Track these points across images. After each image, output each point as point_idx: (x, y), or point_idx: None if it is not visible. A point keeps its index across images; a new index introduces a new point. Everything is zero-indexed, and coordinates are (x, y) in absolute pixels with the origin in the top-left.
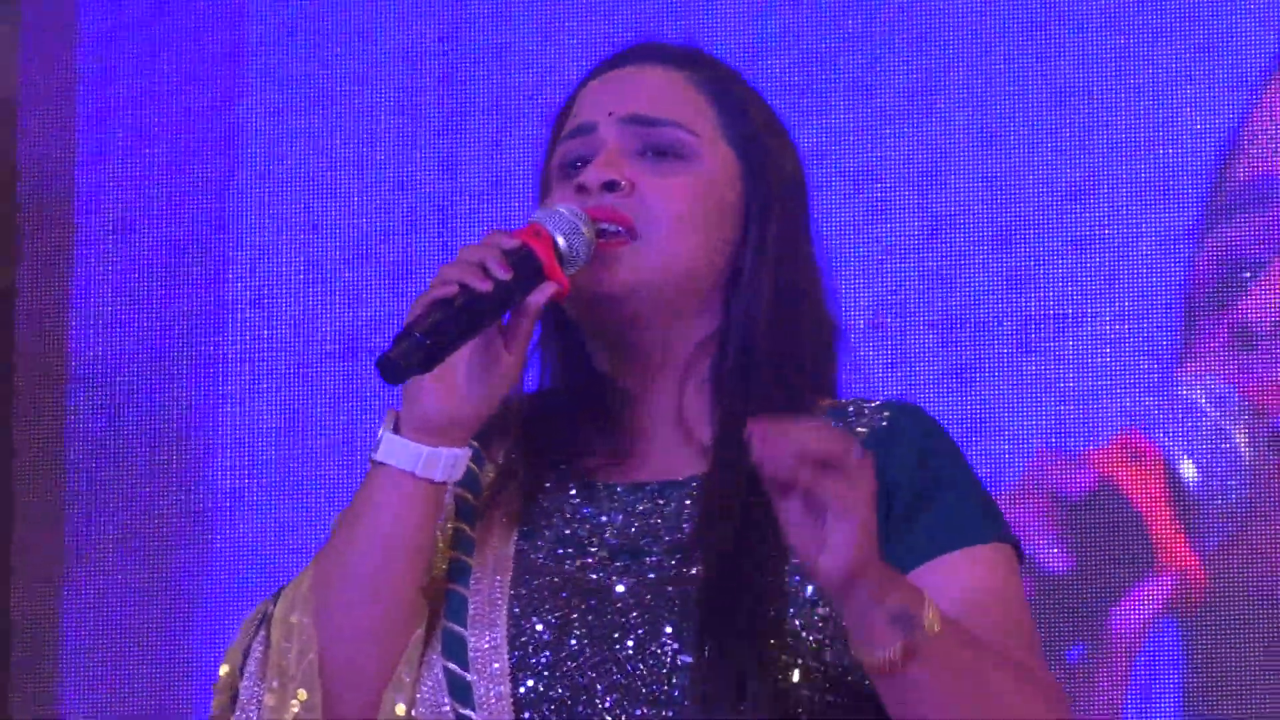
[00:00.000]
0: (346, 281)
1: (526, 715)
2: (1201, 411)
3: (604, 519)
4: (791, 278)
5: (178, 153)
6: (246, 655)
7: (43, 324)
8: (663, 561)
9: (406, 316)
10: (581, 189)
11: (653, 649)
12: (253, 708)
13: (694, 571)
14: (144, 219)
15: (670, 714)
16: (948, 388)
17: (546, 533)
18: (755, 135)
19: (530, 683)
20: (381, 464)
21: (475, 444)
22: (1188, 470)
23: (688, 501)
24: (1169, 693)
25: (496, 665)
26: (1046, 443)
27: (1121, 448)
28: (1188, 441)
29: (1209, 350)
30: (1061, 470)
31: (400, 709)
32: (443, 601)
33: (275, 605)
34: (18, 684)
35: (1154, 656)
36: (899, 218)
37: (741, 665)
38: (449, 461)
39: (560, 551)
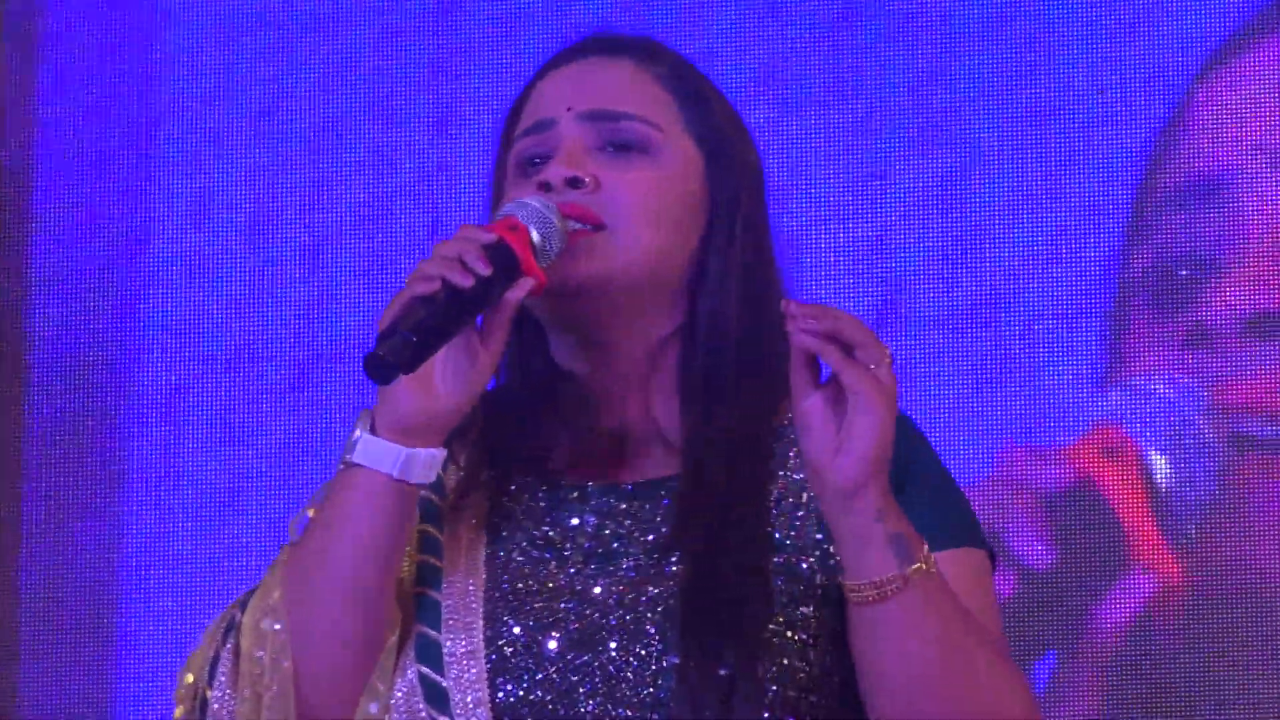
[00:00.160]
0: (304, 272)
1: None
2: (1168, 406)
3: (575, 521)
4: (755, 271)
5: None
6: (214, 664)
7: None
8: (641, 562)
9: (384, 315)
10: (545, 186)
11: (637, 650)
12: (225, 717)
13: (673, 571)
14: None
15: (655, 716)
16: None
17: (517, 535)
18: (716, 126)
19: (509, 687)
20: (356, 465)
21: None
22: (1159, 466)
23: (664, 502)
24: (1145, 689)
25: (473, 670)
26: (1015, 439)
27: (1097, 443)
28: (1157, 437)
29: (1162, 348)
30: (1035, 465)
31: (374, 710)
32: (411, 605)
33: (243, 612)
34: None
35: (1131, 653)
36: (845, 218)
37: (729, 666)
38: (426, 462)
39: (534, 554)
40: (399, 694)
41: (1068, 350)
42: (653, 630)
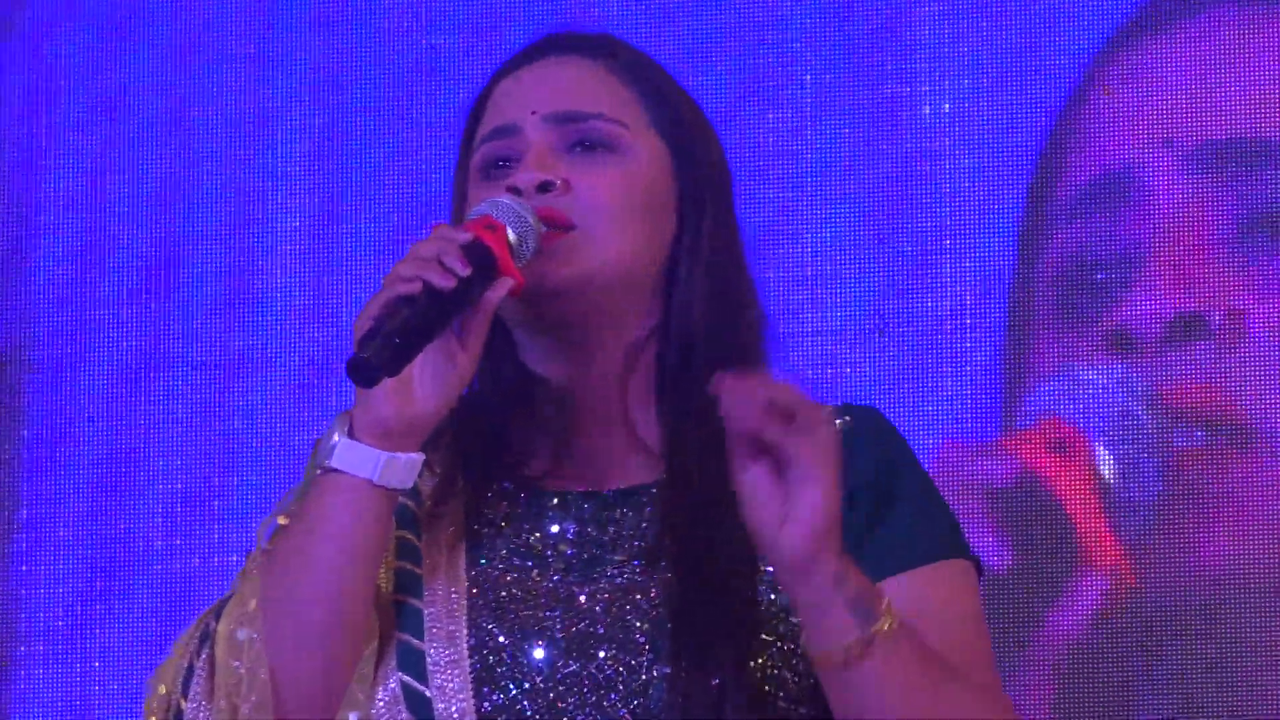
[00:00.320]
0: (266, 268)
1: None
2: (1110, 401)
3: (556, 528)
4: (726, 266)
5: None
6: (188, 675)
7: None
8: (627, 571)
9: (361, 317)
10: (514, 191)
11: (627, 660)
12: None
13: (660, 580)
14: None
15: None
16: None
17: (498, 542)
18: (681, 122)
19: (495, 697)
20: (335, 470)
21: None
22: (1105, 462)
23: (647, 509)
24: (1097, 690)
25: (457, 679)
26: (948, 434)
27: (1044, 436)
28: (1101, 432)
29: (1077, 354)
30: (978, 460)
31: (354, 718)
32: (390, 612)
33: (217, 621)
34: None
35: (1083, 652)
36: (773, 217)
37: (720, 676)
38: (406, 466)
39: (516, 562)
40: (380, 703)
41: (967, 358)
42: (642, 640)
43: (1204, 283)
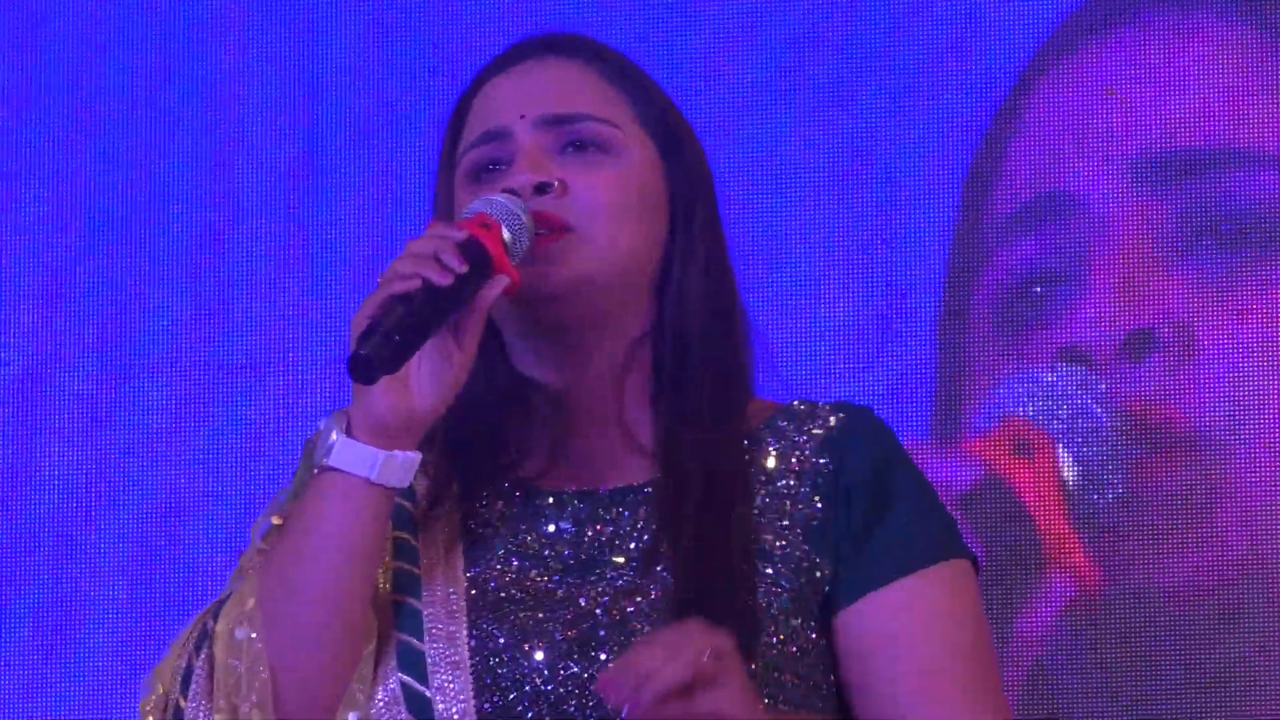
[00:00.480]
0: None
1: None
2: (1071, 402)
3: (552, 528)
4: (715, 265)
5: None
6: (187, 675)
7: None
8: (625, 572)
9: (358, 315)
10: (510, 193)
11: None
12: None
13: (659, 581)
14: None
15: None
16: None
17: (495, 543)
18: (667, 122)
19: (495, 698)
20: (332, 469)
21: None
22: (1066, 464)
23: (643, 509)
24: (1062, 693)
25: (458, 680)
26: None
27: (1007, 437)
28: (1064, 434)
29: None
30: (938, 460)
31: (353, 718)
32: (388, 612)
33: (215, 621)
34: None
35: (1050, 656)
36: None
37: None
38: (403, 465)
39: (514, 562)
40: (380, 703)
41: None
42: None
43: (1151, 296)
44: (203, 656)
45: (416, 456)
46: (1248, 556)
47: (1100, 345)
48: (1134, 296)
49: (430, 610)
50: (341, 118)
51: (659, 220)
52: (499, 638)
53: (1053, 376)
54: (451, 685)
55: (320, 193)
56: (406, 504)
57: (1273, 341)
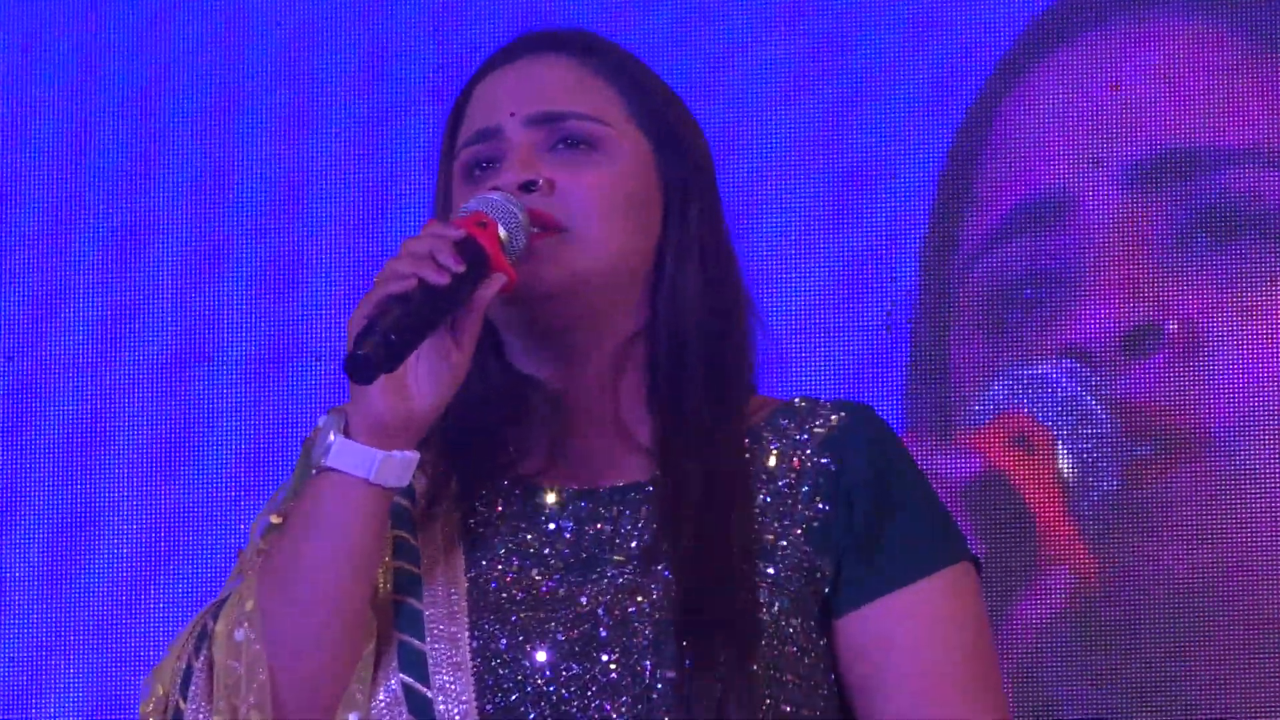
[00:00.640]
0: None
1: None
2: (1067, 398)
3: (553, 527)
4: (713, 260)
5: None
6: (186, 676)
7: None
8: (626, 571)
9: (355, 315)
10: (498, 192)
11: (630, 664)
12: None
13: (660, 581)
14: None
15: None
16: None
17: (495, 542)
18: (662, 116)
19: (497, 699)
20: (331, 469)
21: None
22: (1063, 459)
23: (643, 508)
24: (1058, 686)
25: (460, 681)
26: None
27: (1005, 431)
28: (1062, 429)
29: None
30: (936, 454)
31: (354, 719)
32: (388, 613)
33: (215, 622)
34: None
35: (1046, 649)
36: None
37: (724, 680)
38: (402, 465)
39: (515, 562)
40: (380, 703)
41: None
42: (645, 643)
43: (1147, 294)
44: (202, 658)
45: (415, 456)
46: (1246, 551)
47: (1098, 342)
48: (1130, 294)
49: (431, 611)
50: (341, 117)
51: (652, 216)
52: (500, 638)
53: (1051, 372)
54: (453, 686)
55: (320, 192)
56: (405, 503)
57: (1272, 339)
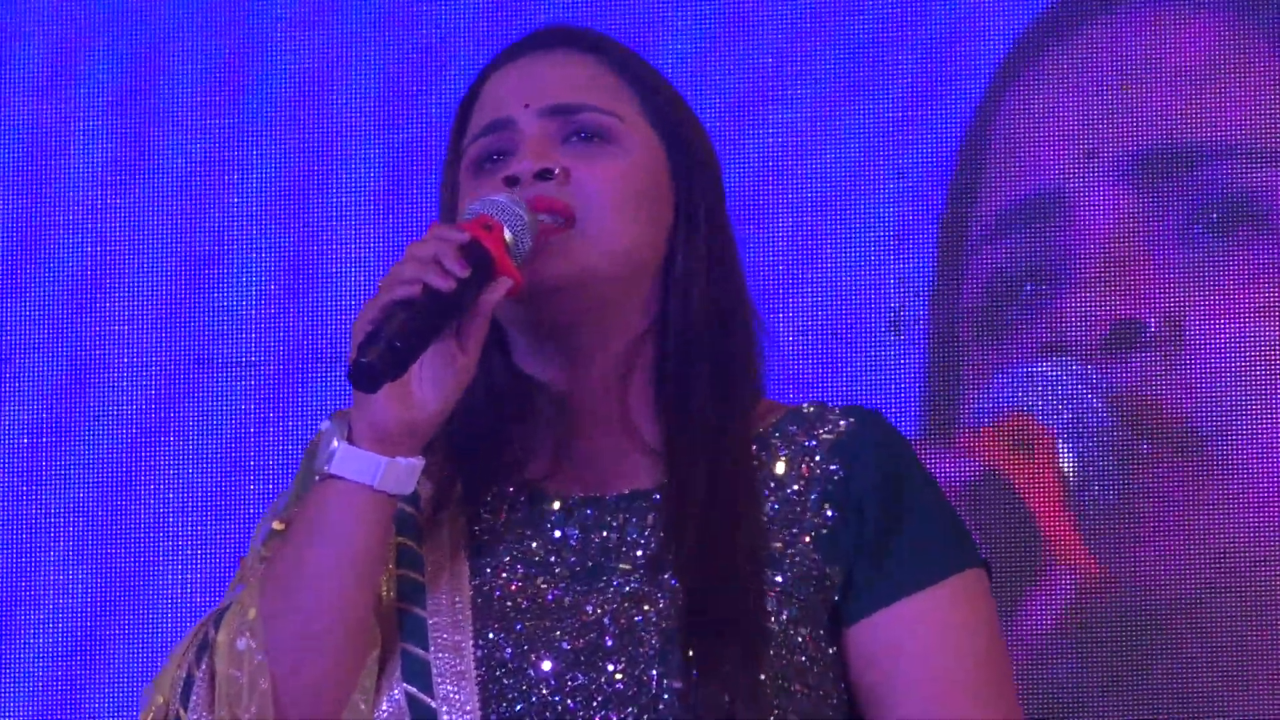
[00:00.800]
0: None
1: None
2: (1071, 398)
3: (558, 534)
4: (721, 262)
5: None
6: (187, 685)
7: None
8: (633, 580)
9: (359, 321)
10: (511, 181)
11: (636, 674)
12: None
13: (667, 590)
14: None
15: None
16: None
17: (499, 549)
18: (673, 115)
19: (501, 708)
20: (335, 476)
21: None
22: (1065, 458)
23: (649, 516)
24: (1061, 686)
25: (464, 690)
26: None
27: (1006, 432)
28: (1063, 428)
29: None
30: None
31: None
32: (392, 621)
33: (216, 631)
34: None
35: (1049, 649)
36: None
37: (732, 690)
38: (406, 471)
39: (520, 570)
40: (384, 713)
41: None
42: (651, 653)
43: (1145, 290)
44: (203, 667)
45: (419, 462)
46: (1248, 549)
47: (1097, 341)
48: (1127, 290)
49: (435, 619)
50: (340, 115)
51: (663, 213)
52: (505, 648)
53: (1050, 371)
54: (457, 695)
55: (319, 191)
56: (410, 509)
57: (1274, 335)
